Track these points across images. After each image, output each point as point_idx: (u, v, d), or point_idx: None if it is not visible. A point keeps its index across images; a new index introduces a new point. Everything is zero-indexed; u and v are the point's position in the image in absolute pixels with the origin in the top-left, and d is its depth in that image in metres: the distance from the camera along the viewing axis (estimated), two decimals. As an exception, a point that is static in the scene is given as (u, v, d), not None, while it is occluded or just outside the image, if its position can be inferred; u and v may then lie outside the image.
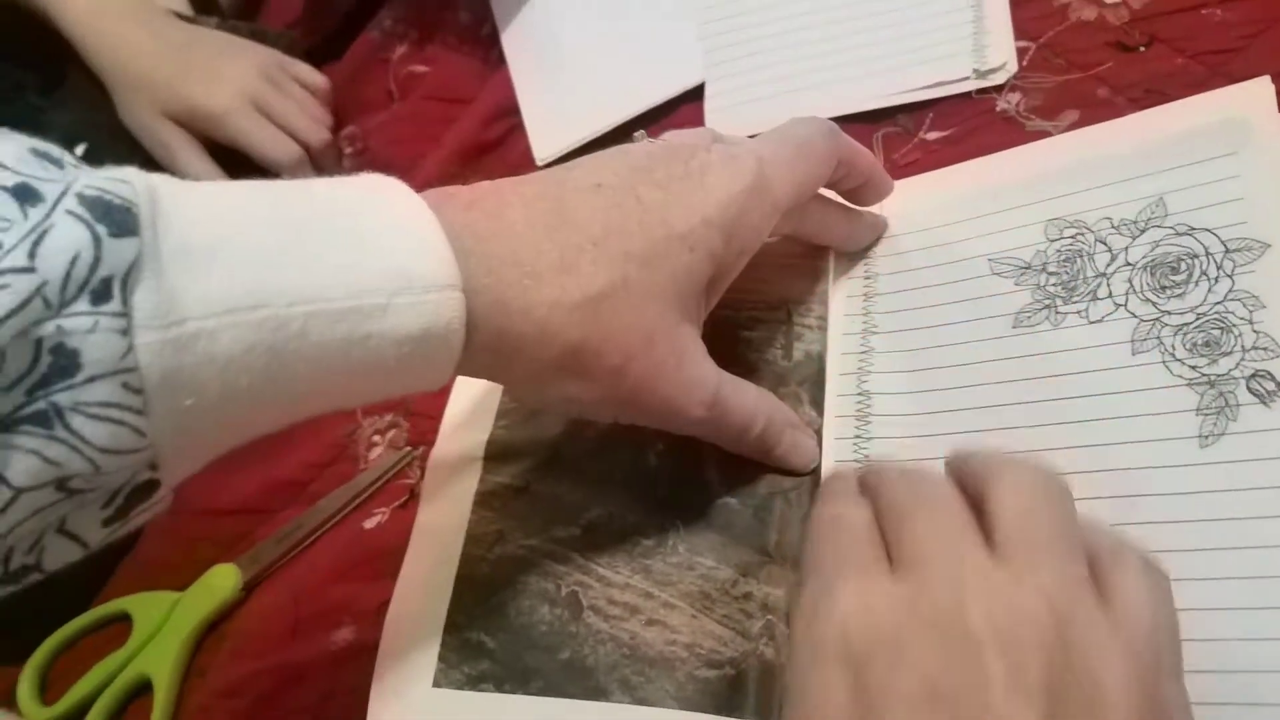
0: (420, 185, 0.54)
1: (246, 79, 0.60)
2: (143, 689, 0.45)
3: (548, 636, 0.33)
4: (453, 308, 0.26)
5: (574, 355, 0.29)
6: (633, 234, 0.29)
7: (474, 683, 0.33)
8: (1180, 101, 0.35)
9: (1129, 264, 0.33)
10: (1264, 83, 0.33)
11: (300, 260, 0.24)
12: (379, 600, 0.42)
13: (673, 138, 0.34)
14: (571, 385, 0.30)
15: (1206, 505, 0.28)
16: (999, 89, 0.42)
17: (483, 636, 0.34)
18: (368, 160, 0.62)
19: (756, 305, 0.38)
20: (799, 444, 0.34)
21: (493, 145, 0.56)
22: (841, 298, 0.38)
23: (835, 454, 0.35)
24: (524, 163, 0.54)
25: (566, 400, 0.31)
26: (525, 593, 0.34)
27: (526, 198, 0.29)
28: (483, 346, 0.27)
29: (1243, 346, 0.30)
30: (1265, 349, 0.29)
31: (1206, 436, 0.29)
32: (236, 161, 0.60)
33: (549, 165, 0.52)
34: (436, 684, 0.34)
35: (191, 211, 0.24)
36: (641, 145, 0.32)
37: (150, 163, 0.59)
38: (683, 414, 0.31)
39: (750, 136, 0.35)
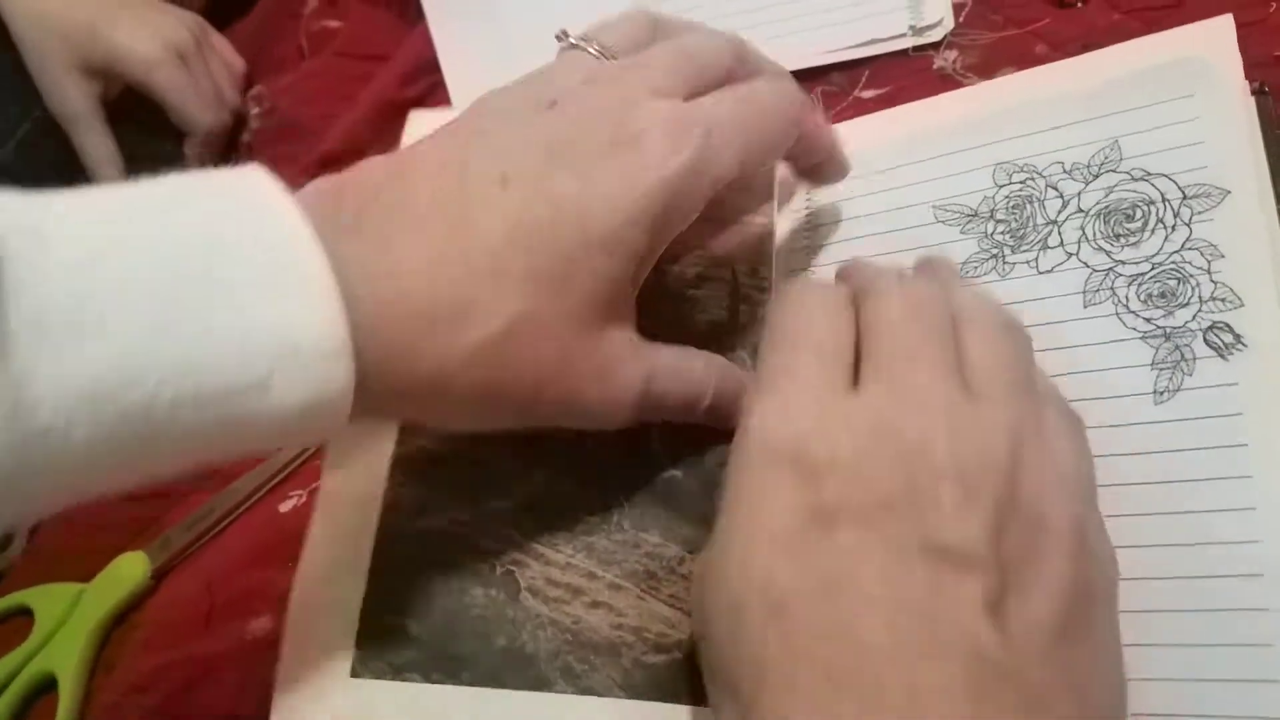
0: (334, 148, 0.52)
1: (174, 31, 0.56)
2: (47, 687, 0.41)
3: (481, 622, 0.30)
4: (340, 376, 0.22)
5: (476, 398, 0.25)
6: (541, 249, 0.25)
7: (397, 672, 0.30)
8: (1137, 40, 0.33)
9: (1081, 211, 0.31)
10: (1225, 21, 0.31)
11: (172, 333, 0.20)
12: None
13: (603, 35, 0.29)
14: (478, 421, 0.27)
15: (1164, 465, 0.26)
16: (935, 46, 0.41)
17: (406, 620, 0.30)
18: (276, 122, 0.57)
19: (702, 259, 0.35)
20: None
21: (412, 104, 0.52)
22: (785, 252, 0.36)
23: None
24: (446, 121, 0.50)
25: (475, 429, 0.29)
26: (454, 572, 0.31)
27: (420, 208, 0.24)
28: (374, 403, 0.24)
29: (1200, 297, 0.28)
30: (1223, 300, 0.27)
31: (1162, 392, 0.27)
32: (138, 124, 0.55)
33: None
34: (355, 674, 0.30)
35: (50, 271, 0.19)
36: (561, 116, 0.26)
37: (49, 128, 0.53)
38: (609, 419, 0.28)
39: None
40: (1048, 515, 0.21)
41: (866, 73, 0.41)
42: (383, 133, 0.52)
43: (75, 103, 0.53)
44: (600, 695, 0.28)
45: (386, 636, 0.30)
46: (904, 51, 0.41)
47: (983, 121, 0.34)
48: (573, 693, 0.29)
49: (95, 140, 0.54)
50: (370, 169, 0.26)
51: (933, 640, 0.19)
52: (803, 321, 0.25)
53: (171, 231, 0.21)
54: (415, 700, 0.29)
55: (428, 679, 0.29)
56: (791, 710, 0.20)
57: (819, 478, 0.21)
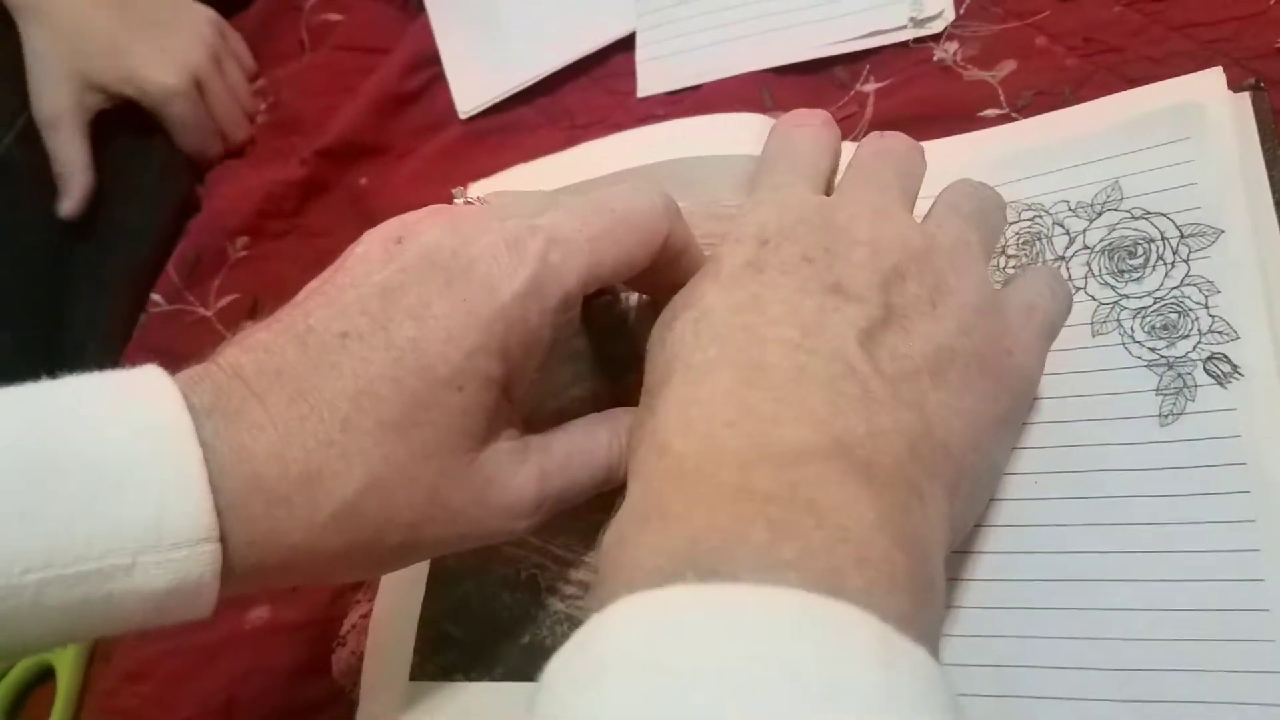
0: (334, 140, 0.51)
1: (192, 53, 0.54)
2: (44, 676, 0.41)
3: (509, 622, 0.31)
4: (205, 561, 0.21)
5: (349, 558, 0.24)
6: (386, 397, 0.23)
7: (445, 673, 0.31)
8: (1136, 89, 0.34)
9: (1087, 247, 0.31)
10: (1216, 72, 0.32)
11: (40, 521, 0.20)
12: (298, 576, 0.38)
13: (493, 204, 0.28)
14: (362, 572, 0.28)
15: (1169, 482, 0.27)
16: (936, 38, 0.40)
17: (451, 627, 0.32)
18: (278, 115, 0.56)
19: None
20: None
21: (412, 97, 0.52)
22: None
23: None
24: (447, 115, 0.49)
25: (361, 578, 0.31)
26: (488, 580, 0.32)
27: (268, 377, 0.23)
28: (242, 579, 0.23)
29: (1199, 330, 0.29)
30: (1221, 333, 0.29)
31: (1166, 416, 0.28)
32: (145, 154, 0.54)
33: (474, 118, 0.49)
34: (413, 676, 0.32)
35: None
36: (401, 254, 0.25)
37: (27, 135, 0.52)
38: (508, 531, 0.26)
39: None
40: (954, 291, 0.25)
41: (868, 66, 0.41)
42: (383, 125, 0.51)
43: (59, 108, 0.51)
44: None
45: (436, 641, 0.32)
46: (905, 44, 0.40)
47: (993, 163, 0.34)
48: None
49: (69, 148, 0.51)
50: (242, 342, 0.25)
51: (810, 344, 0.23)
52: (790, 146, 0.30)
53: (45, 426, 0.21)
54: (457, 697, 0.31)
55: (468, 676, 0.31)
56: (695, 386, 0.23)
57: (764, 243, 0.25)
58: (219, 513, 0.22)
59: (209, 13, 0.57)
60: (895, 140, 0.29)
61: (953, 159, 0.35)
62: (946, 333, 0.24)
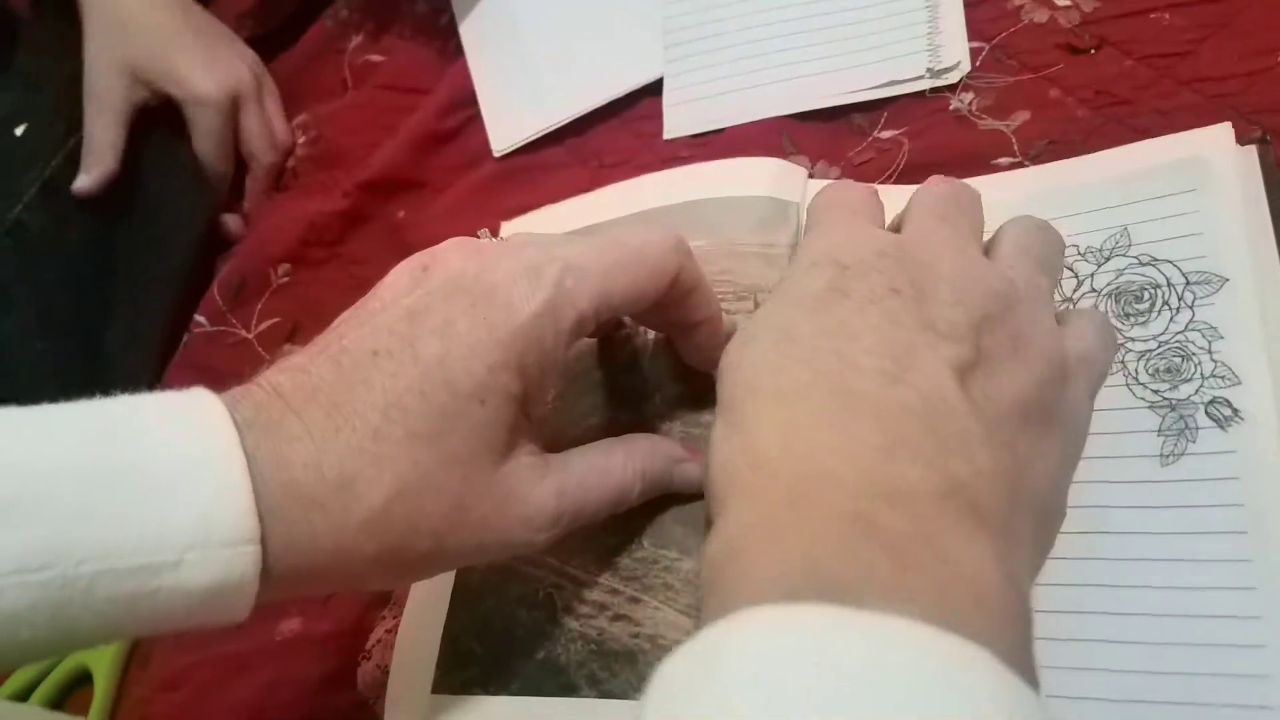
0: (374, 175, 0.53)
1: (236, 71, 0.57)
2: (82, 680, 0.42)
3: (526, 639, 0.32)
4: (247, 562, 0.23)
5: (379, 564, 0.25)
6: (414, 409, 0.25)
7: (465, 687, 0.32)
8: (1145, 142, 0.35)
9: (1095, 290, 0.32)
10: (1225, 128, 0.33)
11: (96, 517, 0.22)
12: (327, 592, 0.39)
13: (509, 244, 0.29)
14: (391, 580, 0.29)
15: (1168, 520, 0.28)
16: (952, 88, 0.41)
17: (472, 644, 0.33)
18: (321, 150, 0.58)
19: (725, 296, 0.36)
20: (687, 475, 0.32)
21: (450, 135, 0.53)
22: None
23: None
24: (482, 153, 0.51)
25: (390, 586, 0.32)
26: (508, 599, 0.33)
27: (305, 393, 0.25)
28: (280, 582, 0.24)
29: (1202, 374, 0.30)
30: (1223, 377, 0.29)
31: (1167, 456, 0.29)
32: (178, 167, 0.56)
33: (507, 157, 0.51)
34: (435, 690, 0.33)
35: None
36: (427, 280, 0.27)
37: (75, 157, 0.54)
38: (527, 544, 0.27)
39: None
40: (1033, 338, 0.25)
41: (885, 113, 0.42)
42: (420, 161, 0.53)
43: (108, 96, 0.53)
44: (619, 698, 0.29)
45: (458, 657, 0.33)
46: (922, 93, 0.41)
47: (1005, 205, 0.35)
48: (595, 697, 0.29)
49: (107, 131, 0.53)
50: (280, 365, 0.26)
51: (903, 374, 0.23)
52: (836, 196, 0.29)
53: (105, 431, 0.23)
54: (477, 710, 0.31)
55: (487, 691, 0.32)
56: (789, 408, 0.23)
57: (844, 268, 0.25)
58: (260, 517, 0.23)
59: (255, 57, 0.60)
60: (960, 184, 0.29)
61: None
62: (1028, 379, 0.24)
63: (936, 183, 0.29)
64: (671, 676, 0.18)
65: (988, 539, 0.21)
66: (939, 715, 0.16)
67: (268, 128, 0.58)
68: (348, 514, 0.24)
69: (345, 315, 0.27)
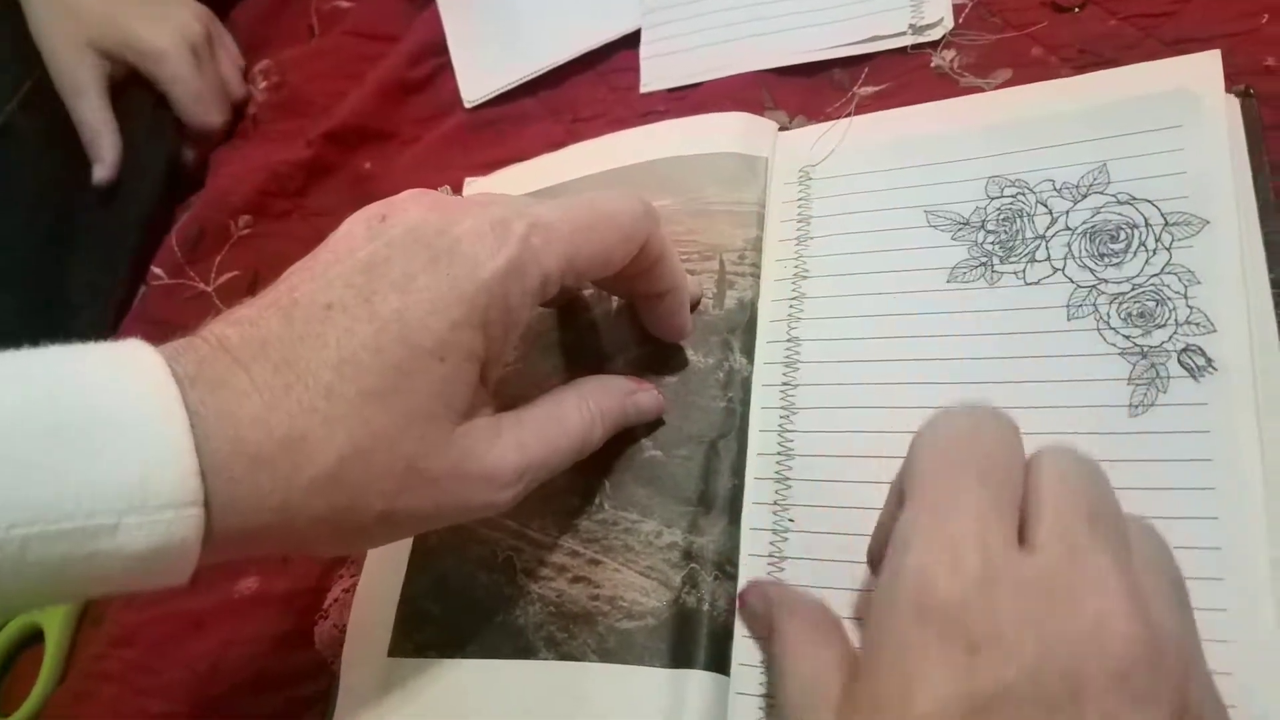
0: (340, 124, 0.51)
1: (189, 25, 0.55)
2: (33, 638, 0.41)
3: (484, 601, 0.31)
4: (189, 525, 0.22)
5: (324, 524, 0.24)
6: (369, 366, 0.24)
7: (421, 650, 0.32)
8: (1129, 67, 0.33)
9: (1069, 229, 0.31)
10: (1213, 56, 0.32)
11: (29, 479, 0.21)
12: (286, 549, 0.39)
13: (470, 202, 0.27)
14: (343, 544, 0.27)
15: (1134, 474, 0.27)
16: (934, 45, 0.40)
17: (429, 605, 0.33)
18: (284, 97, 0.57)
19: (690, 256, 0.35)
20: (642, 407, 0.31)
21: (419, 85, 0.52)
22: (774, 242, 0.35)
23: (761, 400, 0.32)
24: (451, 104, 0.50)
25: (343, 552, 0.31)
26: (467, 561, 0.33)
27: (253, 347, 0.24)
28: (224, 544, 0.23)
29: (1176, 320, 0.29)
30: (1198, 324, 0.28)
31: (1136, 406, 0.28)
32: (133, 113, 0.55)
33: (478, 108, 0.49)
34: (391, 653, 0.32)
35: None
36: (386, 231, 0.26)
37: (48, 90, 0.53)
38: (491, 504, 0.27)
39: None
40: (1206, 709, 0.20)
41: (866, 69, 0.41)
42: (388, 111, 0.52)
43: (80, 77, 0.52)
44: (578, 660, 0.29)
45: (414, 620, 0.33)
46: (903, 49, 0.41)
47: (980, 133, 0.34)
48: (554, 659, 0.29)
49: (95, 114, 0.53)
50: (226, 317, 0.25)
51: None
52: (968, 437, 0.22)
53: (28, 387, 0.22)
54: (431, 672, 0.31)
55: (444, 654, 0.31)
56: None
57: (977, 653, 0.19)
58: (203, 475, 0.22)
59: (203, 7, 0.58)
60: (1091, 462, 0.23)
61: (940, 124, 0.35)
62: None
63: (1064, 452, 0.23)
64: None
65: None
66: None
67: (219, 79, 0.57)
68: (296, 473, 0.23)
69: (296, 266, 0.26)
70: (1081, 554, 0.20)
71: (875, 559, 0.26)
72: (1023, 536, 0.21)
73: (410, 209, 0.26)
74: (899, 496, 0.24)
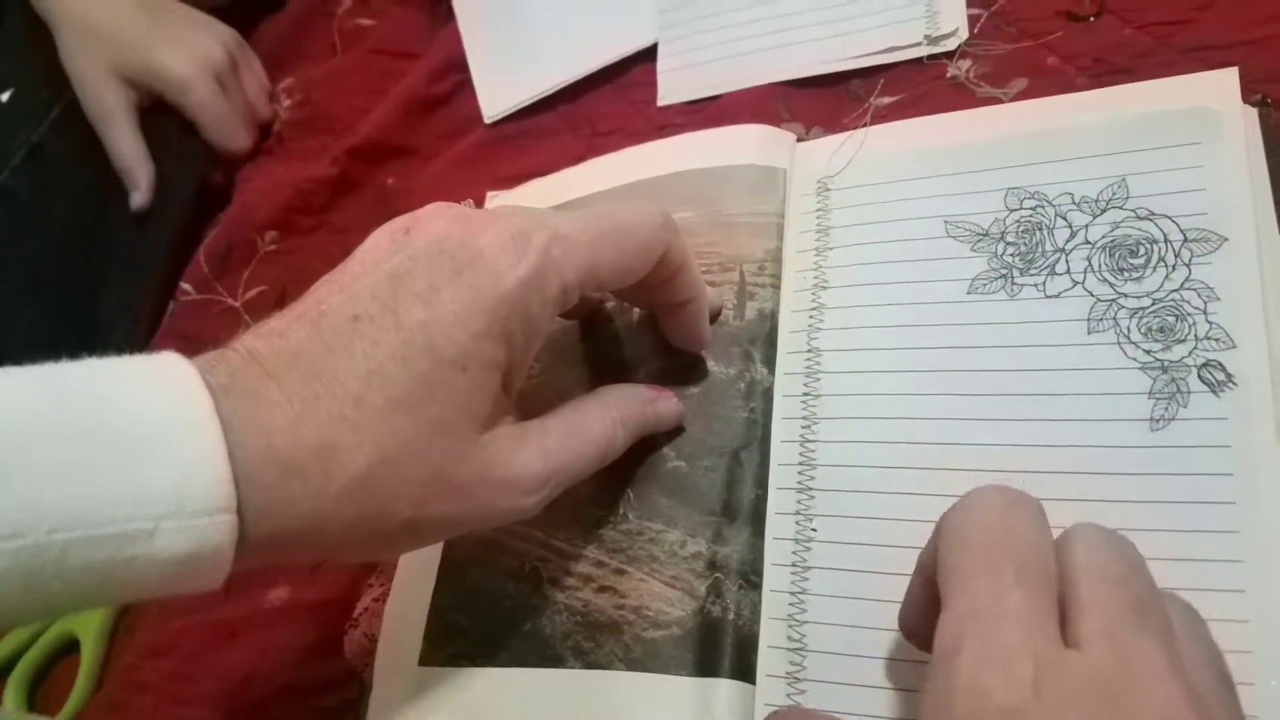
0: (363, 140, 0.52)
1: (211, 51, 0.56)
2: (69, 648, 0.42)
3: (512, 611, 0.32)
4: (224, 530, 0.23)
5: (354, 531, 0.25)
6: (395, 376, 0.25)
7: (452, 660, 0.32)
8: (1149, 82, 0.34)
9: (1088, 242, 0.32)
10: (1230, 73, 0.32)
11: (69, 485, 0.21)
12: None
13: (490, 215, 0.28)
14: (371, 551, 0.28)
15: (1154, 488, 0.27)
16: (950, 55, 0.40)
17: (459, 617, 0.33)
18: (308, 114, 0.57)
19: (710, 268, 0.36)
20: (661, 414, 0.32)
21: (440, 101, 0.53)
22: (793, 253, 0.36)
23: (783, 411, 0.33)
24: (472, 120, 0.51)
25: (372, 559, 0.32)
26: (494, 572, 0.33)
27: (283, 359, 0.25)
28: (257, 549, 0.24)
29: (1196, 335, 0.29)
30: (1217, 340, 0.28)
31: (1157, 420, 0.28)
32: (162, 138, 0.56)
33: (498, 123, 0.50)
34: (422, 662, 0.33)
35: None
36: (410, 244, 0.26)
37: (78, 113, 0.54)
38: (515, 511, 0.27)
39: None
40: None
41: (882, 80, 0.41)
42: (410, 127, 0.53)
43: (108, 103, 0.54)
44: (605, 669, 0.29)
45: (444, 630, 0.33)
46: (919, 60, 0.41)
47: (998, 144, 0.34)
48: (581, 668, 0.30)
49: (125, 141, 0.54)
50: (256, 330, 0.26)
51: None
52: (1001, 530, 0.22)
53: (81, 396, 0.22)
54: (461, 681, 0.32)
55: (473, 663, 0.32)
56: None
57: None
58: (236, 482, 0.23)
59: (230, 29, 0.59)
60: (1121, 543, 0.23)
61: (959, 135, 0.36)
62: None
63: (1096, 537, 0.22)
64: None
65: None
66: None
67: (245, 102, 0.58)
68: (327, 480, 0.24)
69: (324, 280, 0.27)
70: (1130, 647, 0.20)
71: (909, 630, 0.26)
72: (1064, 628, 0.21)
73: (434, 222, 0.27)
74: (927, 575, 0.24)
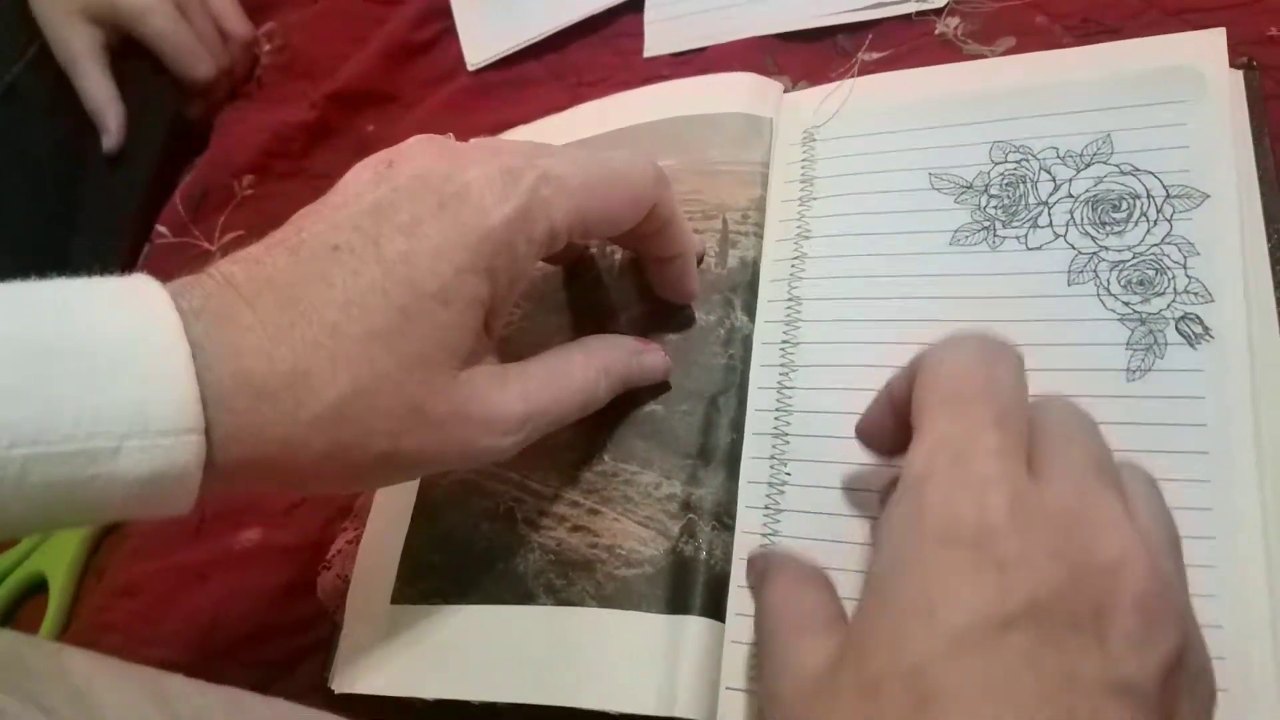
0: (343, 86, 0.52)
1: None
2: (38, 588, 0.42)
3: (486, 551, 0.32)
4: (188, 451, 0.22)
5: (330, 463, 0.25)
6: (375, 307, 0.24)
7: (425, 597, 0.32)
8: (1136, 40, 0.34)
9: (1071, 196, 0.32)
10: (1218, 33, 0.32)
11: (30, 400, 0.21)
12: (288, 504, 0.39)
13: (479, 147, 0.27)
14: (344, 483, 0.28)
15: (1130, 436, 0.27)
16: (938, 12, 0.40)
17: (433, 556, 0.33)
18: (288, 59, 0.56)
19: (694, 215, 0.35)
20: (647, 367, 0.32)
21: (422, 48, 0.52)
22: (777, 202, 0.36)
23: (761, 358, 0.33)
24: (455, 67, 0.50)
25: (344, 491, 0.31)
26: (470, 513, 0.33)
27: (258, 284, 0.24)
28: (225, 474, 0.24)
29: (1175, 289, 0.29)
30: (1196, 294, 0.29)
31: (1134, 370, 0.29)
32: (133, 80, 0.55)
33: (481, 71, 0.50)
34: (394, 600, 0.33)
35: None
36: (393, 177, 0.26)
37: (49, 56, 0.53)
38: (493, 452, 0.27)
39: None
40: (1205, 669, 0.20)
41: (870, 35, 0.41)
42: (392, 74, 0.52)
43: (75, 46, 0.52)
44: (576, 606, 0.29)
45: (417, 570, 0.33)
46: (907, 16, 0.41)
47: (985, 98, 0.35)
48: (552, 605, 0.30)
49: (95, 82, 0.53)
50: (233, 256, 0.26)
51: None
52: (982, 374, 0.23)
53: (45, 311, 0.22)
54: (432, 618, 0.32)
55: (446, 601, 0.32)
56: None
57: (1006, 572, 0.19)
58: (205, 405, 0.22)
59: None
60: (1089, 418, 0.23)
61: (945, 88, 0.36)
62: None
63: (1070, 412, 0.23)
64: None
65: None
66: None
67: (212, 26, 0.56)
68: (299, 407, 0.24)
69: (304, 210, 0.27)
70: (1093, 495, 0.21)
71: (865, 435, 0.27)
72: (1030, 472, 0.22)
73: (418, 155, 0.27)
74: (896, 402, 0.25)
